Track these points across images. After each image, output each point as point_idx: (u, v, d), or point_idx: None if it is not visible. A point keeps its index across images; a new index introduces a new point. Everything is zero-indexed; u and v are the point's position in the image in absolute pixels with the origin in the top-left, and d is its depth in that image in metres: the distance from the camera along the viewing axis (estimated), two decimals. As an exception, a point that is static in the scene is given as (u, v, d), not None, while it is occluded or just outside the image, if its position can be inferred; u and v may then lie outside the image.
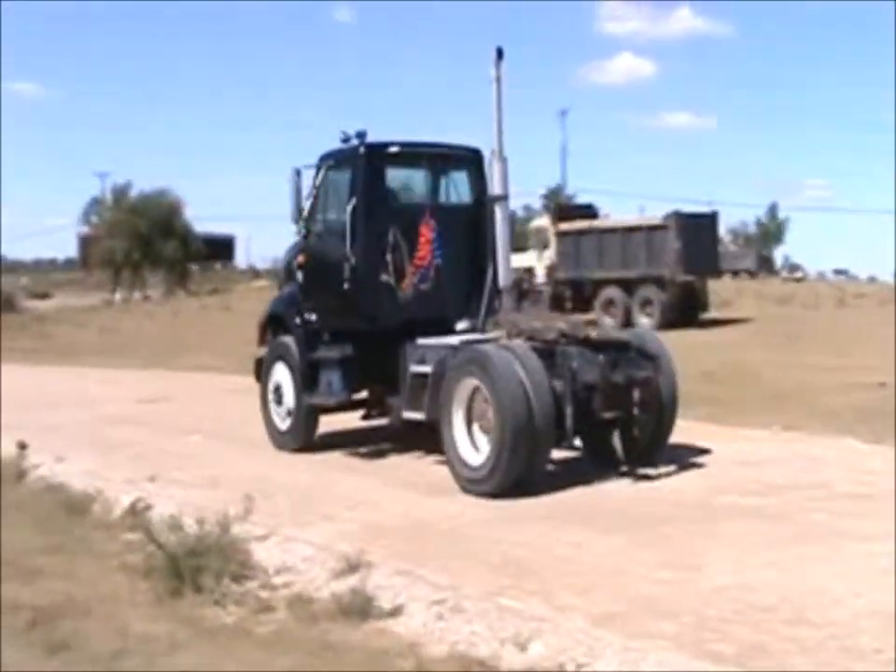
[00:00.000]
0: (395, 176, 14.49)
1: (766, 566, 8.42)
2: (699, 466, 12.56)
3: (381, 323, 13.68)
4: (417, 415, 12.68)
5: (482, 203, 13.98)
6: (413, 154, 14.29)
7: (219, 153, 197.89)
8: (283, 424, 14.76)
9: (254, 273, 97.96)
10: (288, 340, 14.62)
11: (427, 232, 13.89)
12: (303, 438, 14.57)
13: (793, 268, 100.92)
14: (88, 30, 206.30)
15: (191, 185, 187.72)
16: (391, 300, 13.66)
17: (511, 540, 9.41)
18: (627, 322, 35.19)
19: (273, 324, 15.15)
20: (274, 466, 13.65)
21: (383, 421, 14.39)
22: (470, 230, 14.04)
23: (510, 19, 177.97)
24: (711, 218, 38.21)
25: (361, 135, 13.83)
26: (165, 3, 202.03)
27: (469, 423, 11.79)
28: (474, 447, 11.67)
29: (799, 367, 21.33)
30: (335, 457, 14.01)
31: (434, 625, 7.43)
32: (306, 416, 14.46)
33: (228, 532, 8.98)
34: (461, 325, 13.47)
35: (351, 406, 14.51)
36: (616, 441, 12.28)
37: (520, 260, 40.19)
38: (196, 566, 8.46)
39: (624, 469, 12.19)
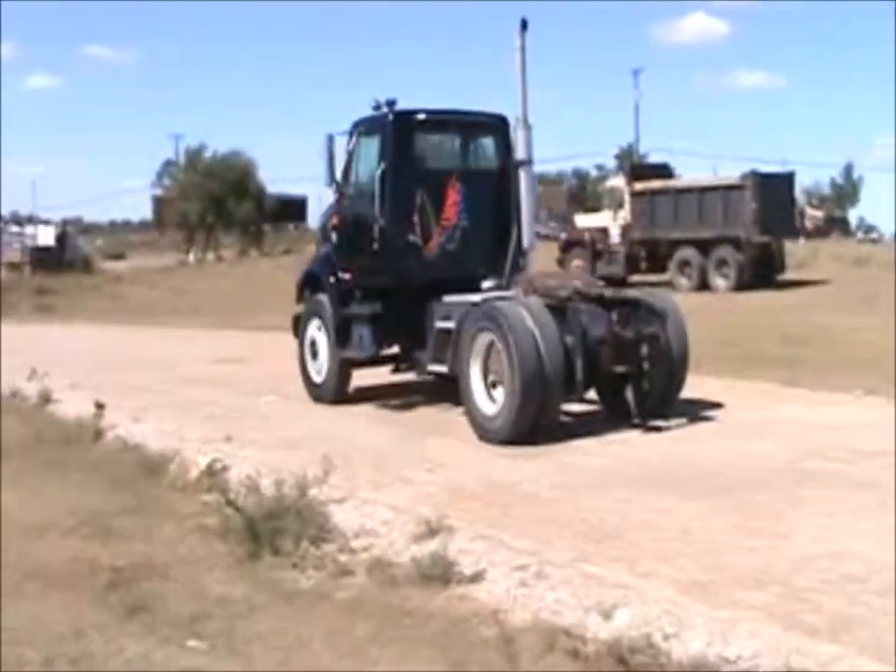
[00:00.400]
0: (422, 142, 15.11)
1: (855, 534, 8.16)
2: (781, 430, 12.30)
3: (408, 281, 14.33)
4: (441, 368, 13.46)
5: (507, 168, 14.61)
6: (439, 121, 14.97)
7: (292, 113, 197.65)
8: (318, 377, 15.55)
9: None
10: (323, 297, 15.35)
11: (452, 195, 14.55)
12: (337, 390, 15.31)
13: (869, 229, 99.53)
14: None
15: (265, 146, 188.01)
16: (418, 259, 14.36)
17: (594, 505, 9.20)
18: (703, 283, 34.81)
19: (310, 282, 15.90)
20: (351, 427, 13.54)
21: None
22: (496, 193, 14.68)
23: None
24: (788, 179, 37.66)
25: (391, 103, 14.44)
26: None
27: (485, 375, 12.48)
28: (490, 398, 12.36)
29: (879, 330, 20.88)
30: (412, 418, 13.93)
31: (517, 592, 7.25)
32: (339, 370, 15.21)
33: (306, 494, 8.85)
34: (487, 283, 13.92)
35: (382, 361, 15.23)
36: (629, 394, 12.56)
37: (594, 220, 39.96)
38: (274, 528, 8.35)
39: (637, 421, 12.43)
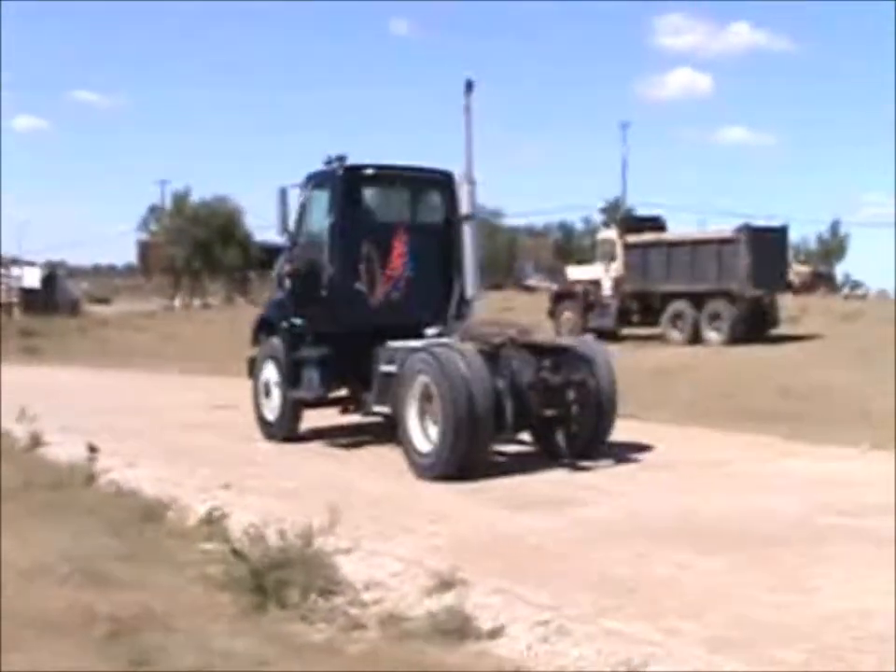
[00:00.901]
0: (370, 196, 16.02)
1: (879, 591, 7.89)
2: (789, 483, 12.07)
3: (355, 327, 15.10)
4: (385, 409, 14.27)
5: (452, 222, 15.52)
6: (387, 176, 15.88)
7: (278, 160, 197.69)
8: (271, 415, 16.30)
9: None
10: (276, 341, 16.19)
11: (399, 247, 15.44)
12: (288, 428, 16.08)
13: (855, 285, 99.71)
14: (146, 36, 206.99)
15: (251, 192, 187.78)
16: (364, 306, 15.24)
17: (607, 558, 8.94)
18: (695, 336, 34.57)
19: (264, 326, 16.80)
20: (350, 474, 13.30)
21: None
22: (441, 245, 15.63)
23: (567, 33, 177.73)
24: (781, 233, 37.47)
25: (341, 158, 15.36)
26: (224, 5, 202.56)
27: (421, 415, 13.25)
28: (426, 436, 13.10)
29: (876, 384, 20.69)
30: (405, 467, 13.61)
31: (538, 648, 6.95)
32: (291, 409, 15.97)
33: (311, 544, 8.55)
34: (430, 331, 14.66)
35: (330, 402, 16.01)
36: (559, 436, 13.52)
37: (585, 272, 39.74)
38: (280, 579, 8.02)
39: (566, 461, 13.24)
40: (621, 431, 16.00)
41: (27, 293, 65.65)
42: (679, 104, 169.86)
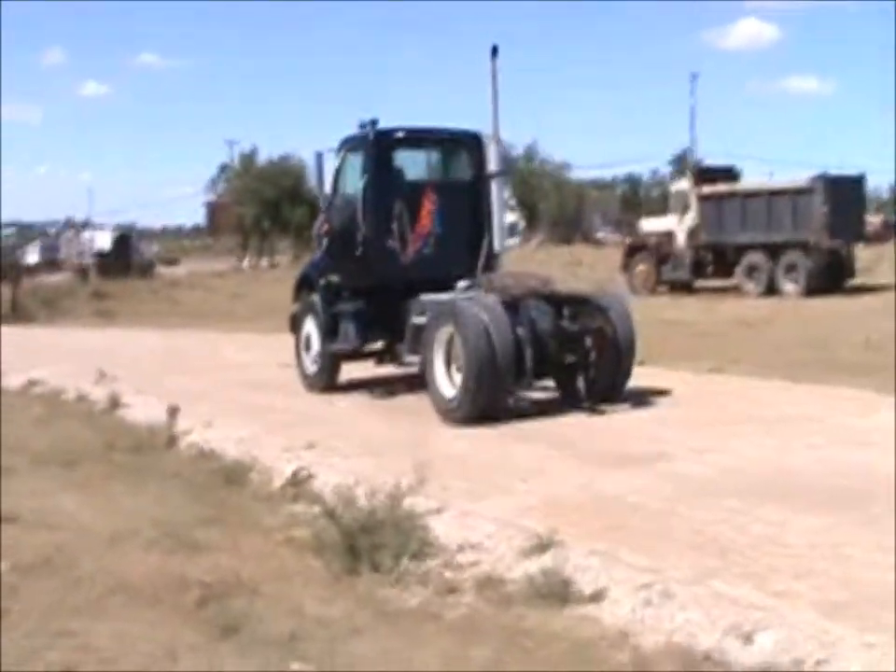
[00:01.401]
0: (401, 157, 16.61)
1: None
2: (887, 440, 11.63)
3: (388, 282, 15.86)
4: (416, 359, 14.87)
5: (479, 180, 16.20)
6: (417, 138, 16.77)
7: (344, 117, 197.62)
8: (311, 368, 17.08)
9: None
10: (316, 297, 16.94)
11: (428, 205, 16.07)
12: (327, 380, 16.84)
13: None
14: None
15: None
16: (397, 262, 15.84)
17: (706, 517, 8.63)
18: (771, 288, 34.06)
19: (305, 284, 17.53)
20: (431, 432, 13.02)
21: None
22: (470, 202, 16.26)
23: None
24: (858, 182, 36.77)
25: (374, 122, 15.93)
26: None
27: (447, 363, 13.94)
28: (451, 382, 13.79)
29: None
30: (498, 425, 13.38)
31: (643, 612, 6.70)
32: (329, 361, 16.75)
33: (400, 505, 8.34)
34: (461, 284, 15.12)
35: (366, 354, 16.73)
36: (580, 382, 14.14)
37: (659, 224, 39.23)
38: (372, 542, 7.84)
39: (586, 405, 13.84)
40: (707, 384, 15.75)
41: (101, 256, 65.96)
42: (745, 53, 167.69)
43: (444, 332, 13.99)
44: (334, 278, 16.67)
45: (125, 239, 73.04)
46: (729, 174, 39.01)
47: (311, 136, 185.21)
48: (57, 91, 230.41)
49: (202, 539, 8.60)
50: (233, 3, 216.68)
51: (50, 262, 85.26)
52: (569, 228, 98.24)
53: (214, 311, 37.86)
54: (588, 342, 14.11)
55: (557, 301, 14.34)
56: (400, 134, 16.30)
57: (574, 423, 13.17)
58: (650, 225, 40.31)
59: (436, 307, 14.54)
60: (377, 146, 15.93)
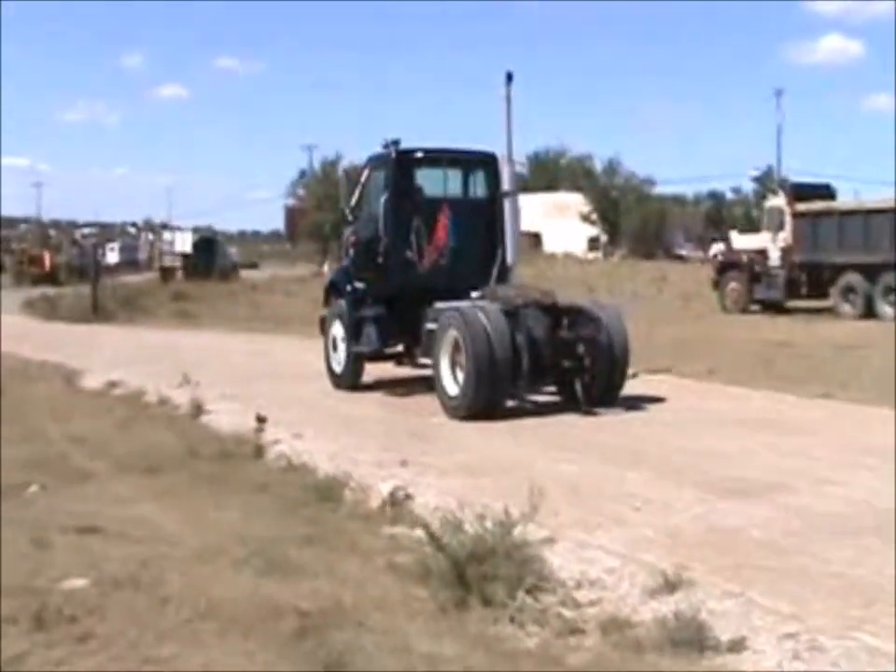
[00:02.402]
0: (421, 175, 17.87)
1: None
2: None
3: (406, 290, 17.10)
4: (429, 360, 15.96)
5: (494, 198, 17.58)
6: (435, 158, 17.96)
7: (425, 125, 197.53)
8: (338, 367, 18.45)
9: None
10: (342, 302, 18.35)
11: (444, 220, 17.21)
12: (352, 379, 18.19)
13: None
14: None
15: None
16: (414, 272, 17.15)
17: (839, 556, 7.95)
18: (868, 310, 33.05)
19: (334, 290, 18.99)
20: (531, 451, 12.43)
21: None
22: (484, 218, 17.55)
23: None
24: (959, 202, 35.60)
25: (396, 143, 17.33)
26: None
27: (452, 364, 15.22)
28: (455, 381, 15.10)
29: None
30: (592, 443, 12.84)
31: (791, 666, 6.05)
32: (353, 362, 18.08)
33: (510, 533, 7.71)
34: (475, 293, 16.26)
35: (387, 357, 18.05)
36: (577, 386, 15.13)
37: (752, 241, 38.31)
38: (482, 572, 7.22)
39: (584, 408, 14.84)
40: (817, 409, 15.07)
41: (184, 258, 66.05)
42: (828, 69, 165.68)
43: (451, 336, 15.27)
44: (359, 285, 18.02)
45: (210, 242, 73.15)
46: (825, 191, 38.02)
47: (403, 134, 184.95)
48: (136, 93, 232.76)
49: (295, 560, 8.05)
50: (315, 3, 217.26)
51: (130, 263, 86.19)
52: (651, 243, 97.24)
53: (296, 315, 37.31)
54: (581, 348, 15.22)
55: (556, 312, 15.54)
56: (420, 154, 17.66)
57: (682, 447, 12.49)
58: (742, 242, 39.40)
59: (445, 314, 15.61)
60: (398, 164, 17.33)
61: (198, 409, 15.30)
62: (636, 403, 15.63)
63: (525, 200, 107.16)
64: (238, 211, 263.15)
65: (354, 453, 12.21)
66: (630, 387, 16.05)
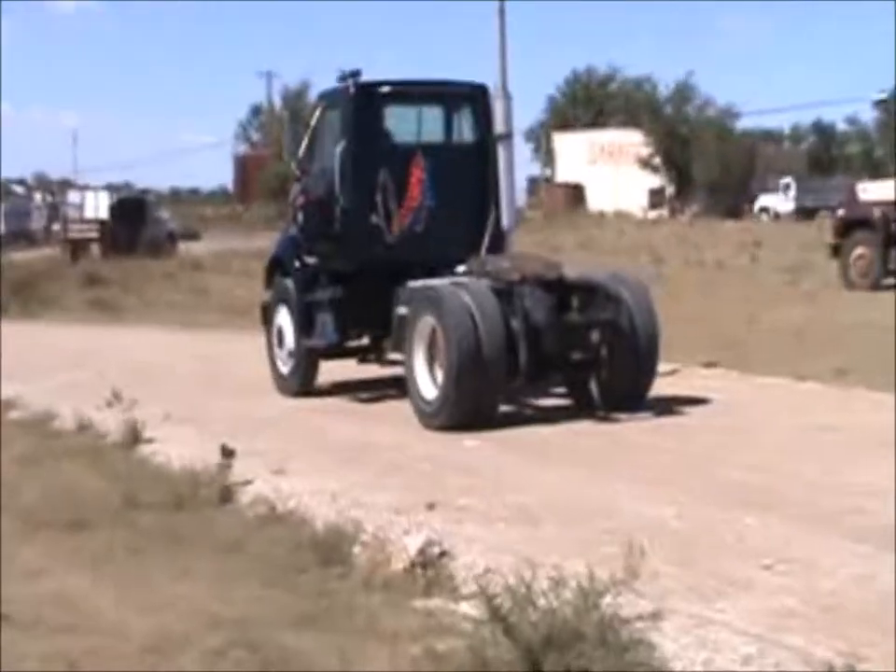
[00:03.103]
0: (388, 116, 18.27)
1: None
2: None
3: (371, 265, 17.52)
4: (401, 356, 16.47)
5: (484, 143, 17.98)
6: (408, 92, 18.38)
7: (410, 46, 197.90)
8: (285, 367, 18.89)
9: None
10: (289, 283, 18.61)
11: (417, 173, 17.52)
12: (303, 381, 18.63)
13: None
14: None
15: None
16: (381, 241, 17.51)
17: None
18: None
19: (277, 267, 19.36)
20: (601, 483, 12.32)
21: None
22: (472, 170, 17.96)
23: None
24: None
25: (355, 74, 17.43)
26: None
27: (430, 360, 15.56)
28: (433, 382, 15.42)
29: None
30: (680, 471, 12.73)
31: None
32: (305, 360, 18.45)
33: (598, 606, 7.42)
34: (461, 267, 16.61)
35: (348, 352, 18.48)
36: (592, 385, 15.58)
37: (886, 191, 37.97)
38: (566, 664, 6.93)
39: (601, 413, 15.38)
40: None
41: (101, 226, 65.03)
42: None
43: (426, 323, 15.59)
44: (310, 260, 18.33)
45: (135, 204, 72.10)
46: None
47: (377, 64, 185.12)
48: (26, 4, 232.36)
49: (294, 651, 7.78)
50: None
51: (19, 234, 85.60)
52: (736, 196, 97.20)
53: (256, 304, 37.32)
54: (595, 336, 15.50)
55: (564, 289, 15.79)
56: (387, 88, 17.74)
57: (818, 480, 12.25)
58: (872, 192, 39.02)
59: (418, 295, 15.91)
60: (358, 102, 17.47)
61: (135, 437, 15.04)
62: (717, 411, 15.84)
63: (563, 140, 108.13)
64: (169, 162, 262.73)
65: (361, 492, 12.02)
66: (734, 393, 15.84)
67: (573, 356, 15.50)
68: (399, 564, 9.66)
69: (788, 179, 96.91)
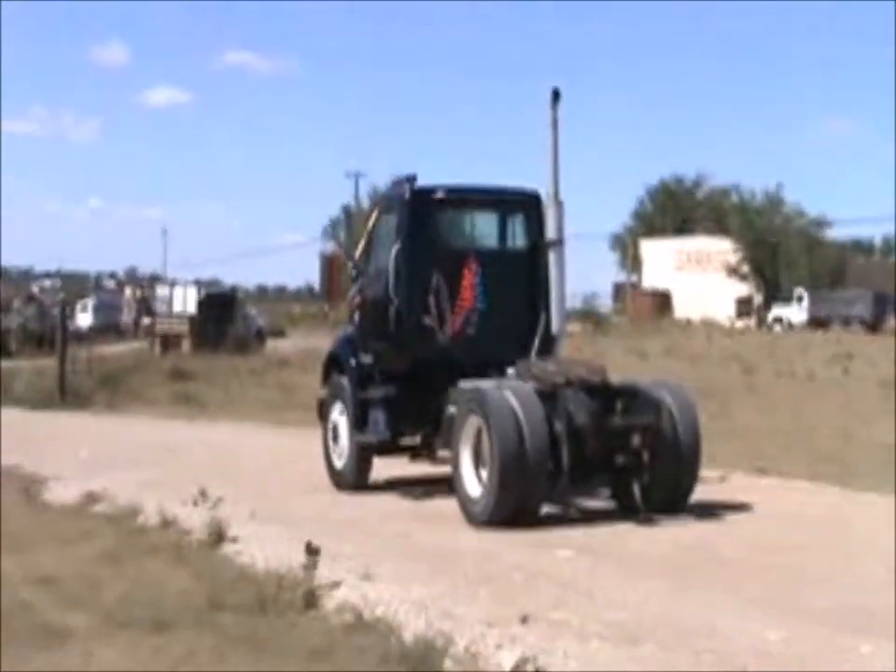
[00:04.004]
0: (441, 221, 18.86)
1: None
2: None
3: (423, 365, 17.90)
4: (449, 454, 16.69)
5: (536, 249, 18.31)
6: (461, 198, 18.86)
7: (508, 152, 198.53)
8: (339, 462, 19.35)
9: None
10: (345, 380, 19.16)
11: (469, 277, 17.99)
12: (356, 478, 19.04)
13: None
14: None
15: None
16: (433, 343, 17.97)
17: None
18: None
19: (334, 364, 19.85)
20: (704, 601, 11.77)
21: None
22: (523, 275, 18.38)
23: None
24: None
25: (411, 179, 18.10)
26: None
27: (476, 459, 15.93)
28: (478, 482, 15.78)
29: None
30: (783, 590, 12.15)
31: None
32: (358, 456, 18.86)
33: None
34: (511, 370, 17.00)
35: (401, 448, 18.82)
36: (635, 488, 15.97)
37: None
38: None
39: (642, 516, 15.67)
40: None
41: (191, 322, 65.15)
42: None
43: (472, 424, 15.94)
44: (365, 359, 18.82)
45: (224, 300, 72.27)
46: None
47: (470, 168, 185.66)
48: (116, 97, 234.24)
49: None
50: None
51: (109, 327, 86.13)
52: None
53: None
54: (636, 440, 15.70)
55: (607, 393, 16.17)
56: (441, 194, 18.23)
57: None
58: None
59: (466, 395, 16.27)
60: (413, 206, 17.99)
61: (219, 536, 14.83)
62: (819, 528, 15.35)
63: (650, 246, 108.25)
64: (257, 260, 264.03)
65: (450, 603, 11.62)
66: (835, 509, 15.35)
67: (616, 458, 15.80)
68: (492, 682, 9.29)
69: (800, 290, 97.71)
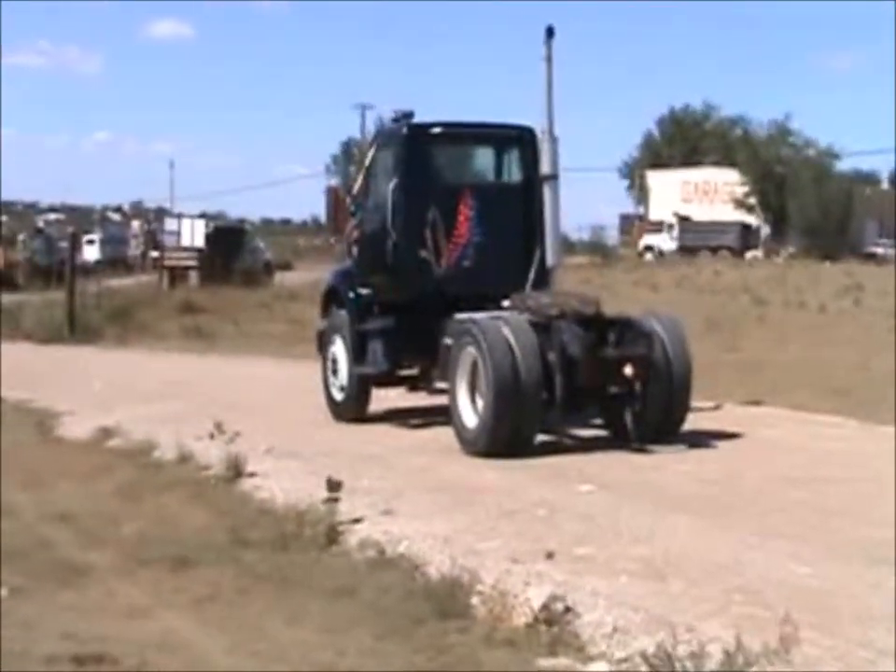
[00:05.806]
0: (438, 156, 19.52)
1: None
2: None
3: (420, 297, 18.34)
4: (447, 385, 17.19)
5: (531, 183, 18.62)
6: (457, 134, 19.54)
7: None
8: (338, 395, 19.81)
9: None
10: (343, 313, 19.63)
11: (465, 211, 18.43)
12: (356, 409, 19.55)
13: None
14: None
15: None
16: (430, 275, 18.41)
17: None
18: None
19: (333, 298, 20.35)
20: (732, 536, 11.58)
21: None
22: (518, 208, 18.85)
23: None
24: None
25: (408, 115, 18.72)
26: None
27: (472, 390, 16.33)
28: (475, 411, 16.18)
29: None
30: (808, 530, 11.87)
31: None
32: (357, 387, 19.37)
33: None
34: (506, 302, 17.37)
35: (399, 380, 19.54)
36: (627, 417, 16.19)
37: None
38: None
39: (635, 445, 15.94)
40: None
41: (199, 254, 64.91)
42: None
43: (468, 355, 16.35)
44: (364, 292, 19.30)
45: (233, 233, 72.18)
46: None
47: (472, 102, 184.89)
48: (121, 32, 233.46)
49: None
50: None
51: (116, 260, 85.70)
52: (833, 237, 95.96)
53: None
54: (629, 370, 15.99)
55: (600, 325, 16.55)
56: (438, 129, 18.83)
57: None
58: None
59: (461, 327, 16.68)
60: (410, 142, 18.61)
61: (237, 471, 14.77)
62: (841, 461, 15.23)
63: (658, 177, 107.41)
64: (261, 193, 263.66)
65: (474, 539, 11.47)
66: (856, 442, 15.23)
67: (608, 388, 16.29)
68: (521, 619, 9.16)
69: (672, 220, 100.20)
